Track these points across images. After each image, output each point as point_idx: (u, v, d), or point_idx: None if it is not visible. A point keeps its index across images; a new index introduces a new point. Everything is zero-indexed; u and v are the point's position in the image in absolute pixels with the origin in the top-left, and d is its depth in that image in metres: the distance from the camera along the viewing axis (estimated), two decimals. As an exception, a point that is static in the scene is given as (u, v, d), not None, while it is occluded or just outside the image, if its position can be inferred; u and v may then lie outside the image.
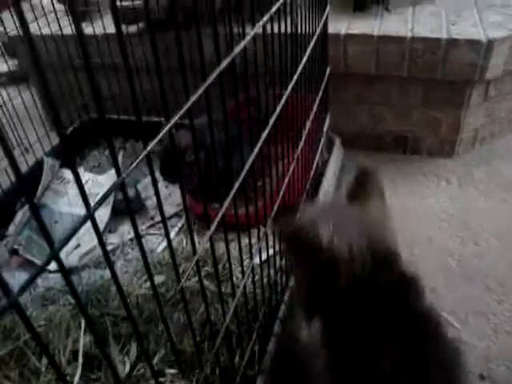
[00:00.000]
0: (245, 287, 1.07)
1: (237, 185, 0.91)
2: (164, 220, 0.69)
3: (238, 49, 0.84)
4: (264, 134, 1.05)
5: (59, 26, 2.27)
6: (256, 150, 1.00)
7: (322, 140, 2.00)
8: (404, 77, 2.16)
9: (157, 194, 0.66)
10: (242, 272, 1.11)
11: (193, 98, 0.70)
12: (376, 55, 2.14)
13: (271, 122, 1.09)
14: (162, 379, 1.25)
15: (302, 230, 0.96)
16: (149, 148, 0.60)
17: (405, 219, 2.03)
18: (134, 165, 0.58)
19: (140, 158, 0.59)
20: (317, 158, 1.89)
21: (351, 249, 0.92)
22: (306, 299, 1.09)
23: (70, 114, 2.42)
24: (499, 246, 1.89)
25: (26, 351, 1.30)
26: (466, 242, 1.92)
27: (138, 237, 0.63)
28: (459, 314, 1.65)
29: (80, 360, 1.27)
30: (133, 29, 2.38)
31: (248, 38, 0.88)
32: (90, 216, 0.50)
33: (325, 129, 2.03)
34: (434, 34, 2.07)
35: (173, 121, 0.65)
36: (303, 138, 1.54)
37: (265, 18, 0.97)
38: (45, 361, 1.29)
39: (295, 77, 1.34)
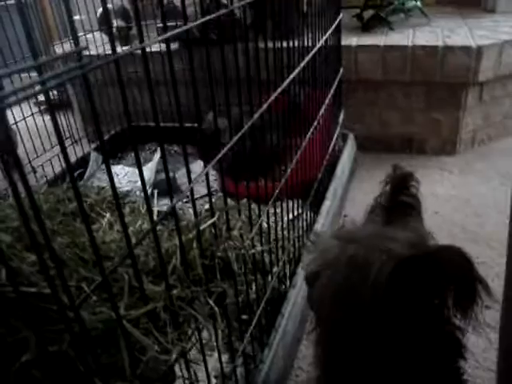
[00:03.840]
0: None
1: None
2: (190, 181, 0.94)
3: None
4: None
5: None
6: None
7: (338, 129, 2.28)
8: (407, 81, 2.48)
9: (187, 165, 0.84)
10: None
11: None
12: (382, 62, 2.47)
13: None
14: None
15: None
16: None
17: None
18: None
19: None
20: (333, 142, 2.17)
21: None
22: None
23: (114, 122, 2.74)
24: (499, 216, 2.11)
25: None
26: (469, 215, 2.14)
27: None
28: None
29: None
30: (174, 46, 2.75)
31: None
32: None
33: (339, 120, 2.32)
34: (431, 43, 2.41)
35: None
36: (319, 120, 1.83)
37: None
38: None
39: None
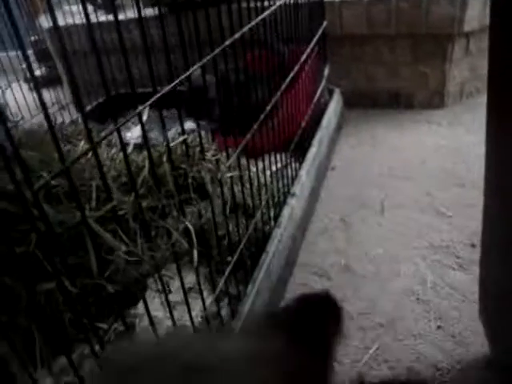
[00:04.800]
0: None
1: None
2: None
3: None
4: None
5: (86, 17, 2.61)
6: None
7: (323, 83, 2.27)
8: (392, 35, 2.46)
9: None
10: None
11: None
12: (367, 16, 2.44)
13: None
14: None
15: None
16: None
17: (399, 150, 2.26)
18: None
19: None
20: (317, 95, 2.15)
21: None
22: None
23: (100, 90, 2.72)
24: (486, 162, 2.10)
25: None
26: (457, 162, 2.14)
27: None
28: (452, 207, 1.85)
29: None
30: (151, 12, 2.72)
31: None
32: None
33: (324, 74, 2.31)
34: (415, -6, 2.38)
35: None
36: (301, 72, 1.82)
37: None
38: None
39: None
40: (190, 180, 0.92)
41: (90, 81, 2.70)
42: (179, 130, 0.87)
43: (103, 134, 1.05)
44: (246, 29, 1.15)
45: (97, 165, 0.66)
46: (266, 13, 1.37)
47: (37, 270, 0.71)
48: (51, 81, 3.38)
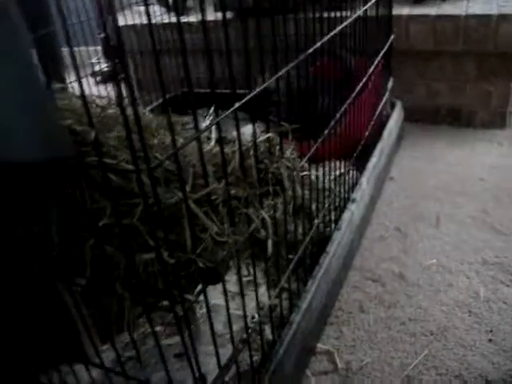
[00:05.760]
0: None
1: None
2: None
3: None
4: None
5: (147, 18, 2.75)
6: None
7: (386, 95, 2.31)
8: (458, 51, 2.48)
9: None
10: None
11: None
12: (433, 32, 2.48)
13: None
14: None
15: None
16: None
17: (457, 166, 2.28)
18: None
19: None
20: (380, 106, 2.20)
21: None
22: None
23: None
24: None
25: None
26: (516, 182, 2.14)
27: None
28: (508, 225, 1.86)
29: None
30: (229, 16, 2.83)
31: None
32: None
33: (388, 86, 2.35)
34: (485, 12, 2.40)
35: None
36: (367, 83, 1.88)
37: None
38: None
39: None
40: (269, 175, 1.00)
41: (155, 79, 2.83)
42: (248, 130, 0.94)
43: (190, 125, 1.14)
44: (325, 39, 1.22)
45: (198, 152, 0.74)
46: (344, 24, 1.43)
47: (137, 241, 0.80)
48: (116, 76, 3.53)
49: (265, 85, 0.91)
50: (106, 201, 0.76)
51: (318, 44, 1.23)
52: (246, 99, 0.84)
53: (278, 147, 1.05)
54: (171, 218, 0.81)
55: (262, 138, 0.98)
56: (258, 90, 0.87)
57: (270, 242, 0.99)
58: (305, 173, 1.09)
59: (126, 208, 0.78)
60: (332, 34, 1.36)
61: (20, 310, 1.04)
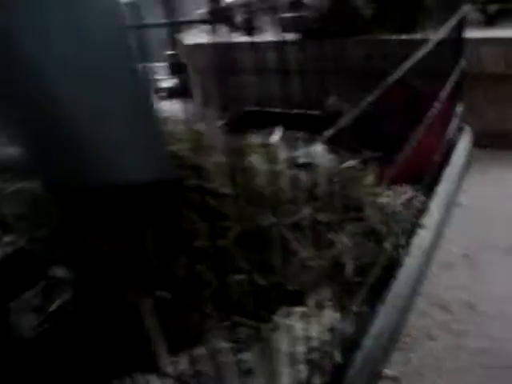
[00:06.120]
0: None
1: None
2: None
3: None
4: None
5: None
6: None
7: (455, 121, 2.29)
8: (533, 75, 2.42)
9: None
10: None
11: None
12: (505, 56, 2.43)
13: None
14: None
15: None
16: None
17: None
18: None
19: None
20: (449, 131, 2.18)
21: None
22: None
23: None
24: None
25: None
26: None
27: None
28: None
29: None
30: (290, 37, 2.88)
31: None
32: None
33: (457, 111, 2.32)
34: None
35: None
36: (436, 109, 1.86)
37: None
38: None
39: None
40: (351, 201, 1.02)
41: (222, 96, 2.90)
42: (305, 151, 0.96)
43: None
44: (406, 67, 1.23)
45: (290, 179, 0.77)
46: (420, 53, 1.44)
47: (228, 262, 0.84)
48: (180, 93, 3.65)
49: (357, 111, 0.94)
50: (202, 222, 0.80)
51: (405, 67, 1.24)
52: (336, 128, 0.86)
53: (358, 174, 1.07)
54: (262, 241, 0.84)
55: (345, 164, 1.00)
56: (347, 117, 0.90)
57: (349, 267, 1.00)
58: (384, 200, 1.10)
59: (220, 230, 0.82)
60: (416, 58, 1.36)
61: (102, 317, 1.10)
